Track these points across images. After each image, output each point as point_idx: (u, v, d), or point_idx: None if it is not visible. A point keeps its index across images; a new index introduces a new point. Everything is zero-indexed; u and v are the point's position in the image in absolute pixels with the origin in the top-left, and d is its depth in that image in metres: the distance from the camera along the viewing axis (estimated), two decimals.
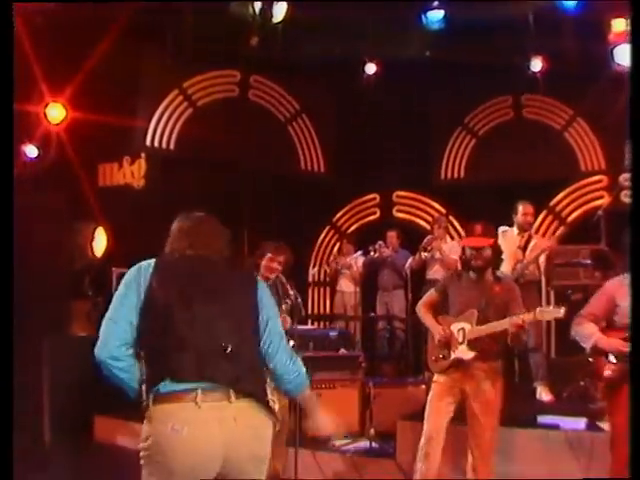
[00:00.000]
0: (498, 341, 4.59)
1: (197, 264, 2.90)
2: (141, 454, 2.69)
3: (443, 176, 11.07)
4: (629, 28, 8.12)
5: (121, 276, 7.35)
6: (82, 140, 8.68)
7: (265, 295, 2.94)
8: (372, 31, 9.36)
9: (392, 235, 8.90)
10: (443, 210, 10.64)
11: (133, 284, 2.81)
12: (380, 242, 8.66)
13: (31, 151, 8.73)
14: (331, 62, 9.65)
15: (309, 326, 7.56)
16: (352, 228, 11.26)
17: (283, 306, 5.11)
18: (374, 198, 11.29)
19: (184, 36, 8.95)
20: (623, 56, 8.40)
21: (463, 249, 4.78)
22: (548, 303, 8.48)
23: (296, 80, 10.58)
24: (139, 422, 5.92)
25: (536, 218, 7.05)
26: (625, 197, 9.91)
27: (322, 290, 10.88)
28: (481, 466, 4.55)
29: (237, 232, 9.60)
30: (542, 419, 5.51)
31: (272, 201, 9.96)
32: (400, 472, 5.21)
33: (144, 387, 2.69)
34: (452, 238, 9.40)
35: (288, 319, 5.14)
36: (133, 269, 2.89)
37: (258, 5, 8.71)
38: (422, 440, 4.63)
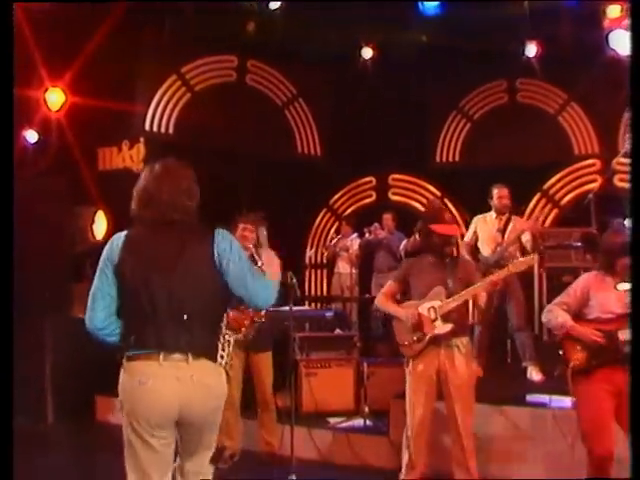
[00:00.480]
0: (467, 316, 4.86)
1: (159, 233, 3.12)
2: (117, 400, 3.09)
3: (438, 159, 11.19)
4: (629, 20, 8.14)
5: None
6: (82, 125, 8.72)
7: (223, 243, 3.09)
8: (369, 16, 9.35)
9: (387, 217, 9.03)
10: (438, 193, 10.77)
11: (107, 261, 3.10)
12: (376, 224, 8.79)
13: (31, 136, 8.79)
14: (328, 47, 9.66)
15: (305, 307, 7.68)
16: (348, 211, 11.35)
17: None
18: (370, 181, 11.38)
19: (182, 21, 8.97)
20: (617, 42, 8.49)
21: (428, 234, 4.88)
22: (540, 285, 8.71)
23: (293, 65, 10.63)
24: None
25: (512, 199, 7.11)
26: (619, 181, 10.10)
27: (320, 272, 11.00)
28: (464, 443, 4.72)
29: (235, 216, 9.78)
30: (531, 397, 5.68)
31: (269, 184, 10.01)
32: (393, 449, 5.36)
33: (127, 349, 3.07)
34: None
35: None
36: (108, 244, 3.17)
37: None
38: (408, 431, 4.77)
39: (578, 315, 4.48)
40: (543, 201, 10.22)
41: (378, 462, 5.47)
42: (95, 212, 8.91)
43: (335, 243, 9.48)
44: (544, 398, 5.57)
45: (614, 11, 8.54)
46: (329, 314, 7.47)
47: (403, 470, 4.80)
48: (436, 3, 9.63)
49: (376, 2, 9.08)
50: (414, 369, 4.77)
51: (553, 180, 10.21)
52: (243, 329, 5.32)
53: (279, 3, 8.83)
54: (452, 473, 4.81)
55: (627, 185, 9.79)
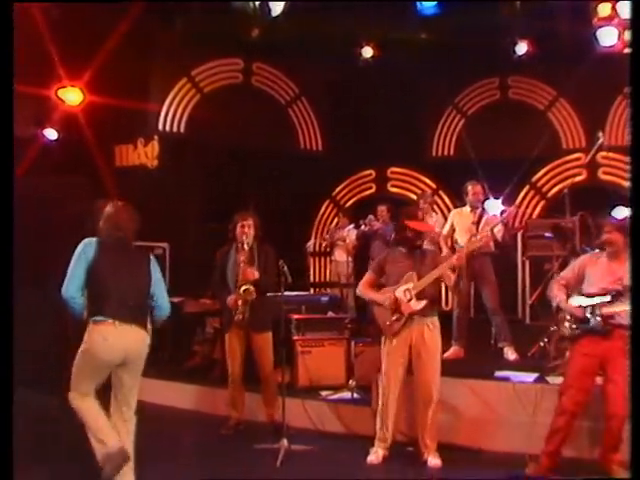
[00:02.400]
0: (436, 296, 5.59)
1: (119, 245, 4.73)
2: (80, 351, 4.62)
3: (434, 153, 11.84)
4: (629, 20, 8.52)
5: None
6: (99, 123, 9.34)
7: (154, 266, 4.85)
8: (369, 16, 9.86)
9: (382, 209, 9.48)
10: (434, 185, 11.37)
11: (82, 255, 4.62)
12: (371, 216, 9.38)
13: (51, 134, 9.39)
14: (329, 48, 10.25)
15: (303, 292, 8.34)
16: (350, 202, 12.00)
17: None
18: (370, 174, 12.02)
19: (192, 28, 9.64)
20: (607, 38, 9.03)
21: (402, 228, 5.59)
22: (524, 272, 9.33)
23: (296, 65, 11.25)
24: (153, 378, 7.11)
25: (486, 195, 7.79)
26: (603, 174, 10.68)
27: (321, 260, 11.64)
28: (428, 411, 5.45)
29: (242, 207, 10.37)
30: (498, 373, 6.34)
31: (275, 178, 10.64)
32: (373, 417, 6.03)
33: (87, 315, 4.62)
34: (436, 213, 10.06)
35: (256, 272, 6.21)
36: (82, 243, 4.65)
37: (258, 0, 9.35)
38: (381, 398, 5.52)
39: (578, 290, 5.17)
40: (531, 193, 10.81)
41: (363, 430, 6.08)
42: None
43: (332, 234, 10.08)
44: (509, 374, 6.24)
45: (604, 9, 9.09)
46: (324, 299, 8.14)
47: (375, 441, 5.55)
48: (434, 3, 10.13)
49: (376, 3, 9.56)
50: (391, 345, 5.51)
51: (541, 173, 10.80)
52: (239, 310, 6.09)
53: (281, 9, 9.34)
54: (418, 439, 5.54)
55: (611, 178, 10.44)
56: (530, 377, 6.08)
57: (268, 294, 6.36)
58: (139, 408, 4.91)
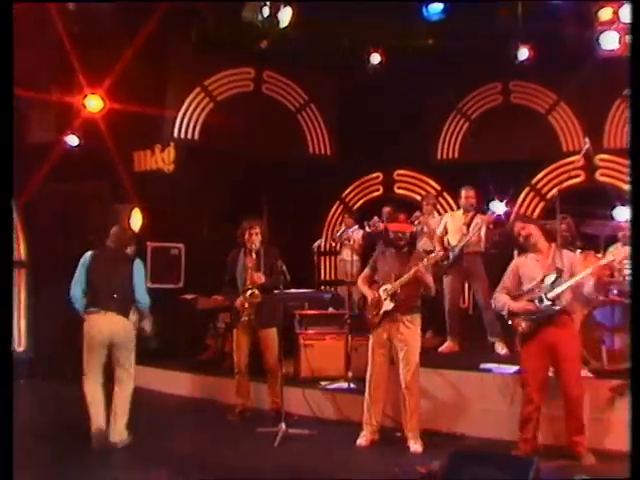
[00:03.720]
0: (413, 297, 6.18)
1: (110, 254, 6.38)
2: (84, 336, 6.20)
3: (439, 156, 12.31)
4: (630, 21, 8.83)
5: (155, 249, 9.07)
6: (119, 130, 9.85)
7: (137, 269, 6.36)
8: (377, 23, 10.25)
9: (387, 211, 10.16)
10: (438, 187, 11.93)
11: (82, 266, 6.28)
12: (375, 218, 9.98)
13: (72, 140, 9.88)
14: (338, 55, 10.74)
15: (306, 290, 8.98)
16: (359, 204, 12.59)
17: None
18: (378, 176, 12.60)
19: (205, 40, 10.25)
20: (608, 42, 9.35)
21: (387, 231, 6.24)
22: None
23: (305, 73, 11.80)
24: (170, 370, 8.06)
25: (477, 199, 8.42)
26: (600, 176, 11.13)
27: (330, 259, 12.28)
28: (409, 400, 6.12)
29: (257, 210, 10.96)
30: (482, 366, 6.97)
31: (286, 182, 11.20)
32: None
33: (83, 307, 6.23)
34: (439, 214, 10.58)
35: (262, 276, 7.01)
36: (83, 257, 6.32)
37: (266, 12, 9.87)
38: (367, 386, 6.23)
39: (519, 293, 5.77)
40: (531, 195, 11.32)
41: (357, 417, 6.68)
42: (132, 209, 10.12)
43: (341, 234, 10.71)
44: (492, 366, 6.85)
45: (606, 13, 9.43)
46: (327, 296, 8.80)
47: (363, 426, 6.25)
48: (440, 7, 10.54)
49: (383, 9, 9.85)
50: (373, 337, 6.22)
51: (540, 175, 11.28)
52: (245, 311, 6.91)
53: (289, 19, 9.80)
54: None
55: (609, 179, 10.91)
56: (511, 369, 6.66)
57: (276, 292, 7.12)
58: (155, 397, 5.70)
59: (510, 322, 5.82)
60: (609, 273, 7.26)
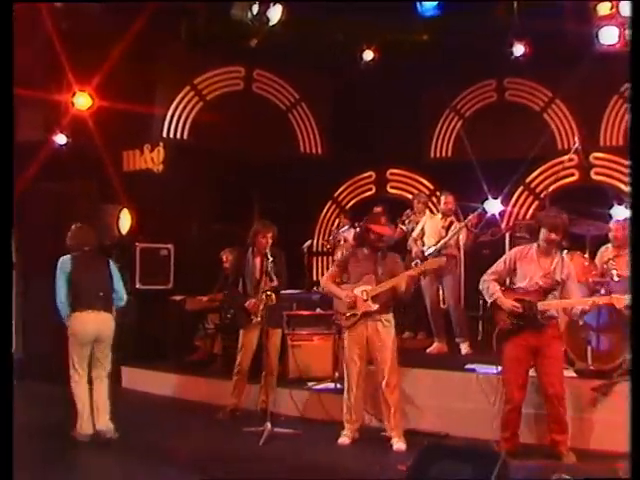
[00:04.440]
0: (390, 298, 6.40)
1: (87, 256, 6.81)
2: (69, 336, 6.61)
3: (433, 155, 12.45)
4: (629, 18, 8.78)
5: (143, 250, 9.21)
6: (108, 128, 9.95)
7: (114, 269, 6.91)
8: (369, 19, 10.18)
9: (378, 211, 10.33)
10: (432, 186, 12.03)
11: (61, 271, 6.67)
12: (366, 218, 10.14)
13: (61, 139, 10.00)
14: (329, 52, 10.80)
15: (296, 290, 9.16)
16: (351, 203, 12.73)
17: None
18: (370, 176, 12.72)
19: (194, 38, 10.40)
20: (607, 37, 9.27)
21: (366, 231, 6.41)
22: None
23: (295, 72, 11.90)
24: (159, 371, 8.27)
25: (456, 205, 8.77)
26: (595, 175, 11.28)
27: (323, 259, 12.43)
28: (389, 398, 6.33)
29: (247, 210, 11.13)
30: (467, 366, 7.18)
31: (277, 181, 11.35)
32: None
33: (69, 309, 6.62)
34: (434, 213, 10.72)
35: (276, 279, 7.22)
36: (61, 261, 6.73)
37: (256, 9, 9.98)
38: (346, 386, 6.47)
39: (509, 283, 5.92)
40: (525, 193, 11.46)
41: (342, 417, 6.84)
42: (120, 210, 10.30)
43: (335, 235, 10.84)
44: (476, 366, 7.05)
45: (604, 8, 9.44)
46: (315, 296, 8.98)
47: (345, 424, 6.48)
48: (434, 3, 10.62)
49: (376, 5, 9.78)
50: (349, 337, 6.45)
51: (535, 173, 11.39)
52: (259, 313, 7.21)
53: (278, 17, 9.87)
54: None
55: (604, 178, 11.04)
56: (494, 369, 6.84)
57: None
58: (144, 397, 6.61)
59: (492, 311, 5.97)
60: (596, 274, 7.45)
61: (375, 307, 6.29)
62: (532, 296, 5.76)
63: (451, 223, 8.46)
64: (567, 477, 5.30)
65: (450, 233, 8.35)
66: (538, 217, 6.39)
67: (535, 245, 5.90)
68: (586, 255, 7.41)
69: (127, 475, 5.92)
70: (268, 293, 7.16)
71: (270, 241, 7.37)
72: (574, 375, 6.63)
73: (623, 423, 5.55)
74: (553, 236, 5.77)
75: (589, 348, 6.80)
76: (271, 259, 7.19)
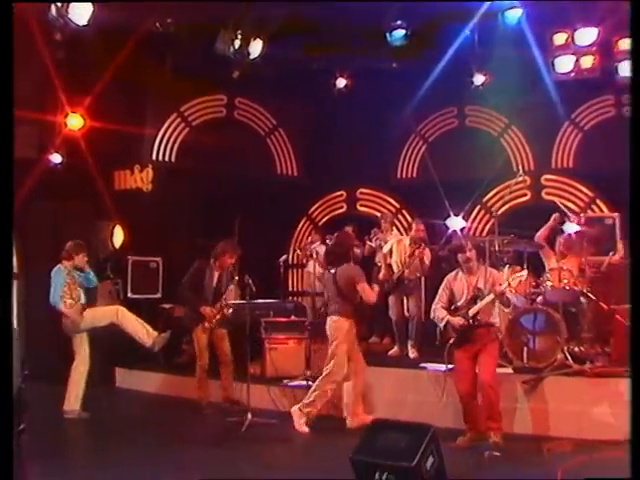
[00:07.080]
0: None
1: None
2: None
3: (399, 175, 13.68)
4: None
5: (135, 262, 10.30)
6: (99, 149, 10.82)
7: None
8: (343, 47, 11.01)
9: (348, 230, 11.41)
10: (397, 205, 13.28)
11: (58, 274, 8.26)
12: (336, 234, 11.29)
13: (56, 158, 10.68)
14: (305, 81, 11.92)
15: (271, 300, 10.30)
16: (324, 219, 13.89)
17: (231, 286, 8.35)
18: (342, 195, 13.90)
19: (180, 69, 11.44)
20: (562, 66, 10.36)
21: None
22: None
23: (274, 99, 13.06)
24: (149, 372, 9.60)
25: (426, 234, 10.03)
26: (546, 195, 12.55)
27: (298, 271, 13.58)
28: (356, 392, 7.68)
29: (229, 226, 12.13)
30: (420, 364, 8.42)
31: (256, 200, 12.44)
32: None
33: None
34: (400, 232, 11.54)
35: (234, 294, 8.51)
36: (55, 270, 8.31)
37: (238, 44, 10.99)
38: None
39: (452, 308, 7.16)
40: (482, 212, 12.71)
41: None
42: (113, 226, 11.29)
43: (305, 248, 12.03)
44: (428, 365, 8.28)
45: (560, 38, 10.39)
46: (290, 305, 10.20)
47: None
48: (402, 33, 11.58)
49: (349, 34, 10.54)
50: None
51: (491, 194, 12.63)
52: (213, 321, 8.46)
53: (259, 51, 10.65)
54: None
55: (553, 198, 12.27)
56: (442, 367, 8.02)
57: (237, 302, 8.54)
58: (140, 396, 8.17)
59: (444, 332, 7.18)
60: (534, 284, 8.76)
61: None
62: (468, 309, 7.01)
63: (416, 249, 9.51)
64: (497, 454, 6.58)
65: (411, 259, 9.49)
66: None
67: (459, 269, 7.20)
68: (524, 269, 8.64)
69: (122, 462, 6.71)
70: (228, 309, 8.43)
71: (232, 262, 8.61)
72: (511, 372, 7.88)
73: (550, 411, 7.00)
74: (470, 255, 7.05)
75: (525, 349, 8.09)
76: (234, 275, 8.54)
